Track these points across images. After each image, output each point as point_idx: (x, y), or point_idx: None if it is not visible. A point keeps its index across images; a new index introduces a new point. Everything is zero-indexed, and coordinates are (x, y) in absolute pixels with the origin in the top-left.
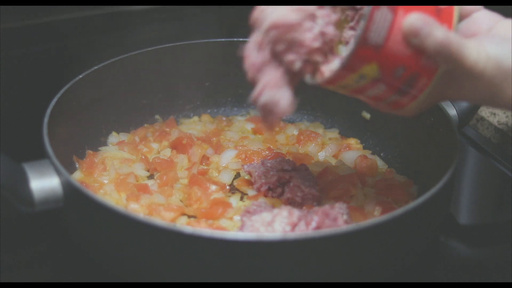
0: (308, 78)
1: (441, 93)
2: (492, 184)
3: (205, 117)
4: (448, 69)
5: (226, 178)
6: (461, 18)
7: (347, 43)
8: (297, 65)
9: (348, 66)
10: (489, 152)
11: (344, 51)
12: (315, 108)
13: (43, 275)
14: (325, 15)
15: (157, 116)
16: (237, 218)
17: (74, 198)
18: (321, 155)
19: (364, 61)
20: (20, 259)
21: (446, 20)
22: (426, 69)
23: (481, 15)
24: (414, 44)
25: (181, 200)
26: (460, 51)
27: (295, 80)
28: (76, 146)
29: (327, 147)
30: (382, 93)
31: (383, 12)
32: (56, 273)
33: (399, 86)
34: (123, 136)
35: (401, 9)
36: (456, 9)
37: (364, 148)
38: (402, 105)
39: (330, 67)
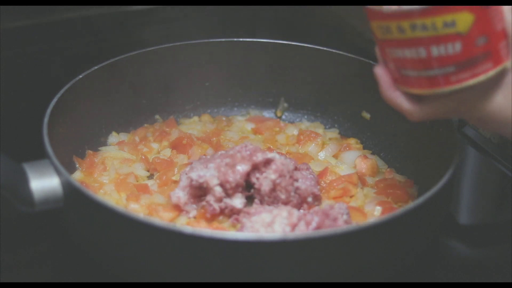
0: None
1: (481, 97)
2: (492, 184)
3: (205, 117)
4: None
5: None
6: None
7: None
8: None
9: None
10: (489, 152)
11: None
12: (315, 108)
13: (43, 275)
14: None
15: (157, 116)
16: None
17: (74, 198)
18: (321, 155)
19: (468, 8)
20: (20, 259)
21: None
22: (498, 54)
23: None
24: (508, 20)
25: None
26: None
27: None
28: (76, 146)
29: (327, 147)
30: (449, 55)
31: None
32: (56, 273)
33: (469, 56)
34: (123, 136)
35: None
36: None
37: (364, 148)
38: (447, 83)
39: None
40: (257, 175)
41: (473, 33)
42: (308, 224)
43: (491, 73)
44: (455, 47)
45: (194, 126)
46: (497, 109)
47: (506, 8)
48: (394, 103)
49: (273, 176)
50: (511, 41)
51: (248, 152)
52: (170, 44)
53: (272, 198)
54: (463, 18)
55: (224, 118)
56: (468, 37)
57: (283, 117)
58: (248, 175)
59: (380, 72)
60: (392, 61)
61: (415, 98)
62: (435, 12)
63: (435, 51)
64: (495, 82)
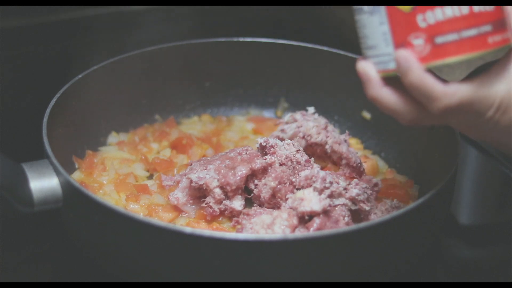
0: None
1: (488, 85)
2: (492, 184)
3: (205, 117)
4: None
5: None
6: None
7: None
8: None
9: None
10: (489, 152)
11: None
12: (315, 108)
13: (43, 275)
14: None
15: (157, 116)
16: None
17: (74, 199)
18: None
19: None
20: (20, 259)
21: None
22: (505, 27)
23: None
24: None
25: None
26: None
27: None
28: (75, 146)
29: None
30: (488, 11)
31: None
32: (56, 273)
33: (500, 16)
34: (123, 136)
35: None
36: None
37: (365, 148)
38: (485, 46)
39: None
40: (256, 181)
41: None
42: (309, 226)
43: (507, 44)
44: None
45: (194, 126)
46: (503, 97)
47: None
48: (391, 101)
49: (272, 184)
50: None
51: (248, 156)
52: (170, 44)
53: (272, 205)
54: None
55: (224, 118)
56: None
57: (284, 116)
58: (247, 178)
59: (369, 65)
60: (427, 29)
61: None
62: None
63: (476, 6)
64: (502, 65)
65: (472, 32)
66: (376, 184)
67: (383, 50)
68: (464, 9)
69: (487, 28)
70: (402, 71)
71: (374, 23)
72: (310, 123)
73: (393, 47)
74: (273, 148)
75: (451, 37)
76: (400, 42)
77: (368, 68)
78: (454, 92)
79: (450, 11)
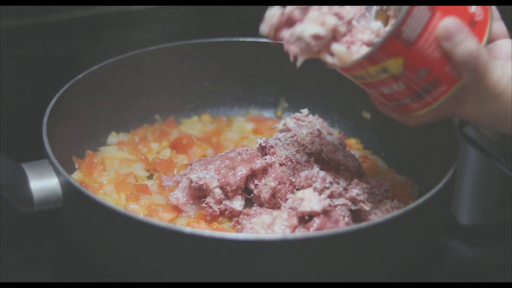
0: (329, 59)
1: (453, 108)
2: (492, 184)
3: (205, 117)
4: (469, 82)
5: None
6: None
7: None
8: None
9: (374, 55)
10: (489, 152)
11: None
12: (315, 108)
13: (43, 275)
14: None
15: (157, 116)
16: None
17: (74, 199)
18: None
19: (392, 54)
20: (20, 259)
21: (478, 34)
22: (448, 77)
23: (505, 43)
24: (445, 48)
25: None
26: (486, 66)
27: None
28: (75, 146)
29: None
30: (398, 92)
31: (421, 10)
32: (56, 273)
33: (417, 89)
34: (123, 136)
35: (439, 10)
36: (489, 26)
37: (365, 148)
38: (412, 110)
39: (355, 54)
40: (256, 181)
41: (409, 71)
42: (309, 226)
43: (449, 94)
44: (399, 86)
45: (194, 126)
46: (472, 115)
47: (439, 36)
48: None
49: (272, 184)
50: (457, 61)
51: (248, 156)
52: (170, 44)
53: (272, 205)
54: (393, 63)
55: (224, 118)
56: (406, 75)
57: (283, 117)
58: (247, 178)
59: None
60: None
61: None
62: (366, 65)
63: (386, 90)
64: (463, 92)
65: (397, 102)
66: (386, 190)
67: None
68: (377, 92)
69: (406, 100)
70: None
71: None
72: (304, 130)
73: None
74: (273, 148)
75: (387, 103)
76: None
77: None
78: (415, 120)
79: (372, 92)
